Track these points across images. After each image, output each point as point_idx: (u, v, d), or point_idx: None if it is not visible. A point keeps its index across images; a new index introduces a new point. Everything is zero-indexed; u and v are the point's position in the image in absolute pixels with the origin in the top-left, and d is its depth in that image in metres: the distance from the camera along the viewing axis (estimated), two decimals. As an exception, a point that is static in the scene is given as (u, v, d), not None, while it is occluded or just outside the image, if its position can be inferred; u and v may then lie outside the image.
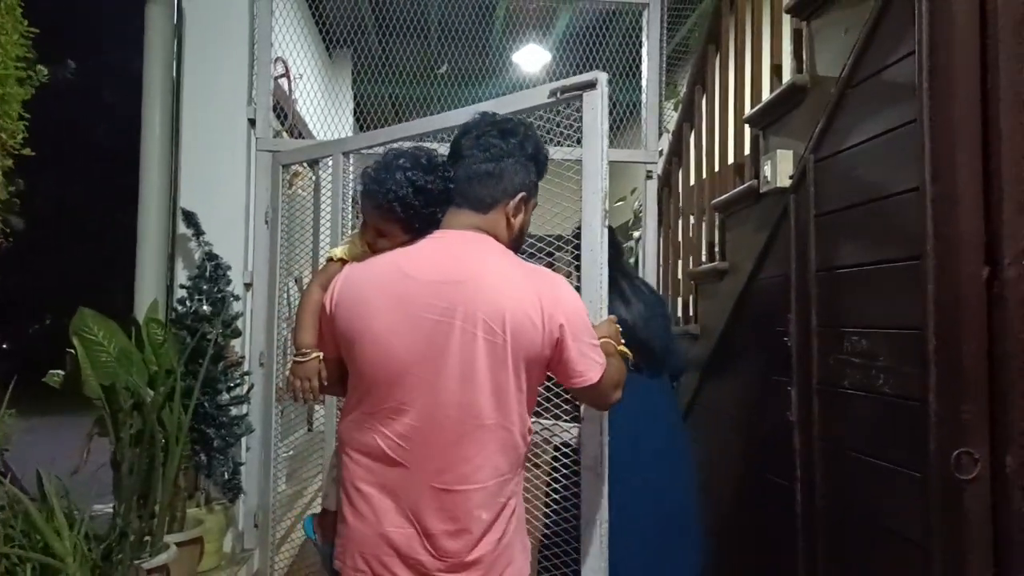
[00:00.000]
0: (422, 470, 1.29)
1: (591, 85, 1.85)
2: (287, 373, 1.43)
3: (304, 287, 4.29)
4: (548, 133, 2.01)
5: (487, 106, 2.15)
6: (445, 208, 1.42)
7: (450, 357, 1.27)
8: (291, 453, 3.71)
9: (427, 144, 2.66)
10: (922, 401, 1.51)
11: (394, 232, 1.40)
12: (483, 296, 1.29)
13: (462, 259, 1.34)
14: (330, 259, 1.50)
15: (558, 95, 1.92)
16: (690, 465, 2.17)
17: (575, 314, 1.35)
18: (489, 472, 1.30)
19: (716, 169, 2.84)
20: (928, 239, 1.50)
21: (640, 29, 3.10)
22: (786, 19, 2.20)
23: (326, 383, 1.44)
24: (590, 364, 1.35)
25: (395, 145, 2.38)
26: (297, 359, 1.42)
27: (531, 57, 4.68)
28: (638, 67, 3.10)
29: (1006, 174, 1.43)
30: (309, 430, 4.63)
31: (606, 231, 1.83)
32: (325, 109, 4.59)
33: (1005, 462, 1.41)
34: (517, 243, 1.48)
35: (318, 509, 1.66)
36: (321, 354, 1.41)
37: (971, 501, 1.42)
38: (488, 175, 1.39)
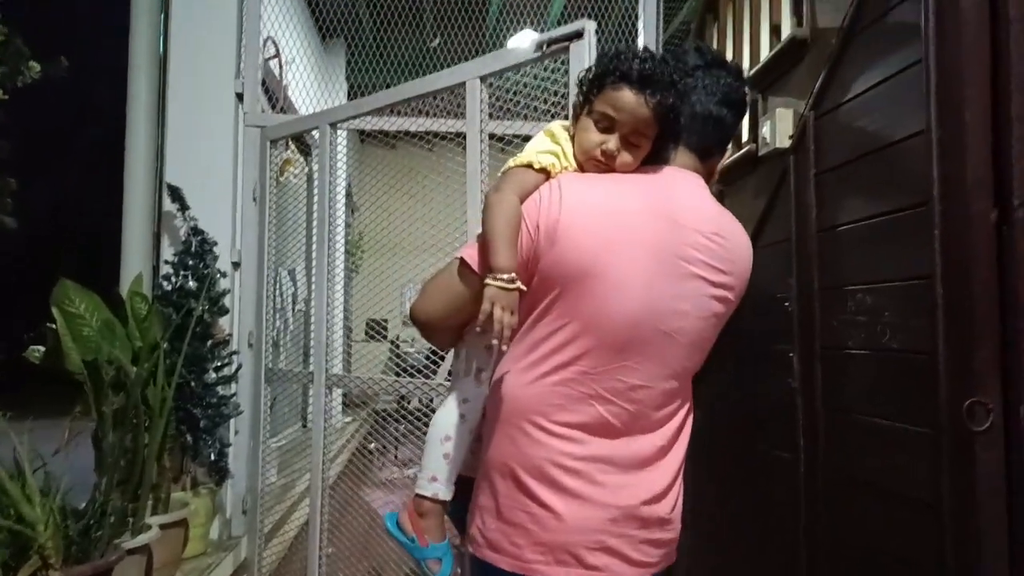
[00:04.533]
0: (642, 433, 1.12)
1: (578, 35, 1.79)
2: (483, 303, 1.03)
3: (294, 279, 4.27)
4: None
5: (471, 65, 2.10)
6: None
7: (699, 318, 1.12)
8: (282, 443, 3.64)
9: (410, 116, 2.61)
10: (931, 353, 1.45)
11: (642, 144, 1.13)
12: (740, 260, 1.17)
13: (715, 209, 1.17)
14: (528, 166, 1.14)
15: (544, 48, 1.86)
16: None
17: None
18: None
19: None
20: (934, 183, 1.44)
21: (636, 16, 3.05)
22: (785, -23, 2.14)
23: None
24: None
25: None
26: (498, 284, 1.04)
27: (527, 42, 4.62)
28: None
29: (1016, 111, 1.37)
30: (304, 426, 4.56)
31: None
32: (317, 96, 4.54)
33: (1019, 412, 1.34)
34: None
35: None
36: (522, 285, 1.07)
37: (984, 453, 1.35)
38: (719, 121, 1.19)
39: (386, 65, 4.02)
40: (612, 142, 1.11)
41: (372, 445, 4.73)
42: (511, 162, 1.15)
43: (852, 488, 1.78)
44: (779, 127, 2.02)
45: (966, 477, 1.37)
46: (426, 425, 2.49)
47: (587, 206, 1.08)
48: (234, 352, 2.80)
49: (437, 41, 3.43)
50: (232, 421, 2.79)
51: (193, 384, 2.60)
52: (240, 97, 2.91)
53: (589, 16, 3.52)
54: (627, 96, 1.09)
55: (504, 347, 1.03)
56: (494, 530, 1.10)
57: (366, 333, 3.99)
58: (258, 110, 2.93)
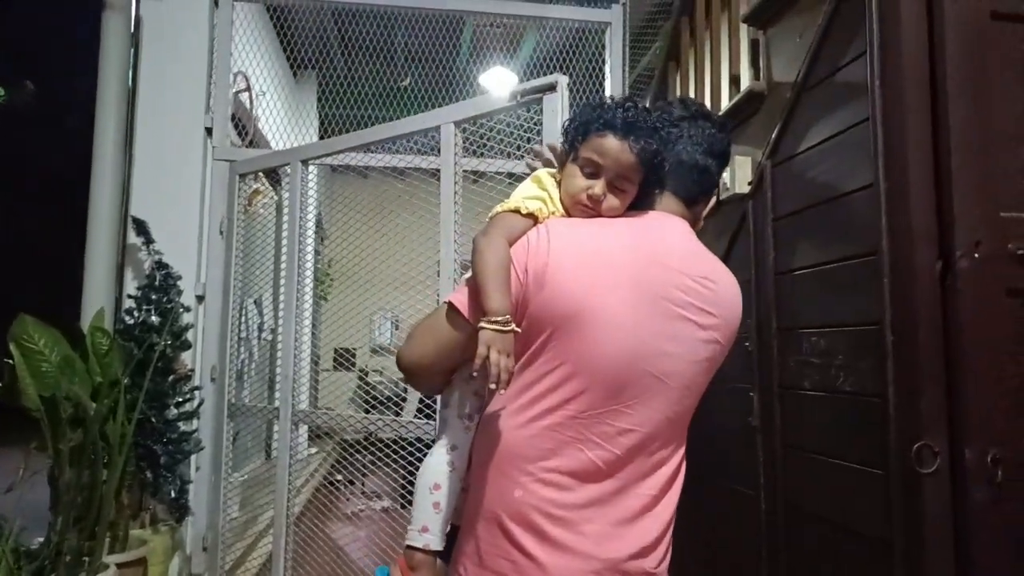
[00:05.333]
0: (632, 481, 1.10)
1: (551, 88, 1.85)
2: (478, 346, 1.02)
3: (260, 309, 4.24)
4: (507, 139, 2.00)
5: (447, 111, 2.14)
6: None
7: (689, 362, 1.12)
8: (245, 478, 3.59)
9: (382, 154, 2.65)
10: (881, 396, 1.50)
11: (628, 189, 1.15)
12: (729, 305, 1.16)
13: (703, 254, 1.18)
14: (515, 211, 1.14)
15: (518, 98, 1.92)
16: None
17: None
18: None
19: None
20: (882, 234, 1.51)
21: (603, 61, 3.15)
22: (743, 31, 2.24)
23: None
24: None
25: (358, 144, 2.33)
26: (493, 327, 1.03)
27: (498, 80, 4.72)
28: (603, 91, 3.14)
29: (957, 168, 1.45)
30: (267, 458, 4.49)
31: None
32: (289, 129, 4.55)
33: (964, 455, 1.40)
34: None
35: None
36: (516, 327, 1.06)
37: (931, 495, 1.41)
38: (705, 170, 1.24)
39: (358, 98, 4.06)
40: (598, 187, 1.14)
41: (339, 476, 4.65)
42: (498, 207, 1.17)
43: (810, 524, 1.82)
44: (739, 173, 2.09)
45: (915, 517, 1.42)
46: (396, 455, 2.49)
47: (575, 249, 1.09)
48: (196, 387, 2.77)
49: (408, 81, 3.48)
50: (193, 457, 2.75)
51: (154, 420, 2.56)
52: (209, 131, 2.91)
53: (557, 60, 3.62)
54: (611, 142, 1.12)
55: (502, 390, 1.03)
56: None
57: (334, 362, 3.95)
58: (227, 144, 2.94)
